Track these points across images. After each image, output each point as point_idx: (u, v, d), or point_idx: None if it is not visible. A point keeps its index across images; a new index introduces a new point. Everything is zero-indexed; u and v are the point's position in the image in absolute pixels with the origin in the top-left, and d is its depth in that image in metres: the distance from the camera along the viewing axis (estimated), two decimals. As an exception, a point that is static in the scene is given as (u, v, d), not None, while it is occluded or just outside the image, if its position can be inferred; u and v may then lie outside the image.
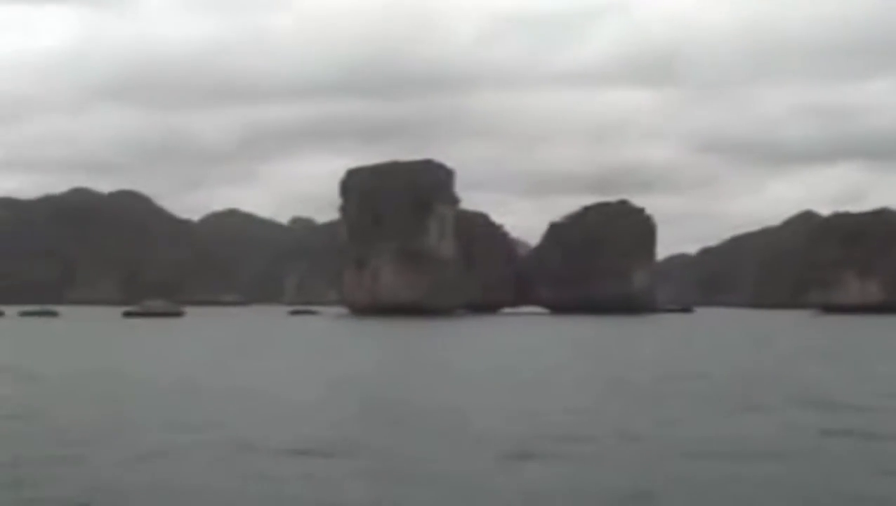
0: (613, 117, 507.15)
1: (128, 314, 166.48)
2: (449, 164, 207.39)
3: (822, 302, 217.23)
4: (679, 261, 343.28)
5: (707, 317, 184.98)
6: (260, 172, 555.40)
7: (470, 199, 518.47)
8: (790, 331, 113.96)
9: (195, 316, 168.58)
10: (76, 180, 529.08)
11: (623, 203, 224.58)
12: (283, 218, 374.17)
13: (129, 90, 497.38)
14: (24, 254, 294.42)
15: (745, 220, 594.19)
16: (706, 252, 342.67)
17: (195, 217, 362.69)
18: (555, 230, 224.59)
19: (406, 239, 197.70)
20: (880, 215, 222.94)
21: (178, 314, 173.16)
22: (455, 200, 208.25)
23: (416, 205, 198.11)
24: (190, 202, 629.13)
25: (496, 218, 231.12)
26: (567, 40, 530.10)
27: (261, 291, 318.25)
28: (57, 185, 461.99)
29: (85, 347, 74.83)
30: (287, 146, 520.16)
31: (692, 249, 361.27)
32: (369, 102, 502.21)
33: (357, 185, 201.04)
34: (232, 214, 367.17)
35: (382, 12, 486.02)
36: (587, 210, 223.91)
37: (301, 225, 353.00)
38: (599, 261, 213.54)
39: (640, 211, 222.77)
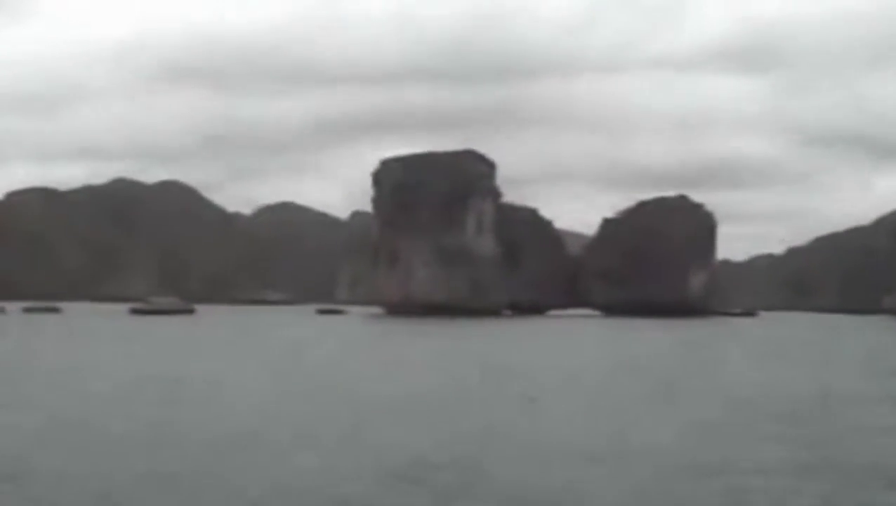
0: (705, 106, 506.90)
1: (135, 312, 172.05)
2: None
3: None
4: (763, 262, 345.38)
5: (770, 323, 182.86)
6: (323, 164, 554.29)
7: (542, 193, 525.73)
8: (845, 338, 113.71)
9: (206, 315, 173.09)
10: (123, 170, 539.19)
11: (682, 197, 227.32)
12: (345, 212, 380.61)
13: (192, 74, 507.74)
14: (60, 247, 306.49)
15: (844, 219, 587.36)
16: (792, 252, 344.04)
17: (247, 210, 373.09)
18: (608, 226, 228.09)
19: (441, 234, 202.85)
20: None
21: (187, 312, 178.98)
22: (496, 194, 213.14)
23: (453, 198, 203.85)
24: (245, 194, 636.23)
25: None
26: (664, 23, 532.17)
27: (312, 290, 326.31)
28: (103, 174, 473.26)
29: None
30: (354, 135, 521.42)
31: (781, 249, 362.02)
32: (444, 90, 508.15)
33: (390, 176, 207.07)
34: (285, 207, 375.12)
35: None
36: (643, 205, 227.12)
37: (360, 220, 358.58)
38: (655, 260, 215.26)
39: (700, 206, 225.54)
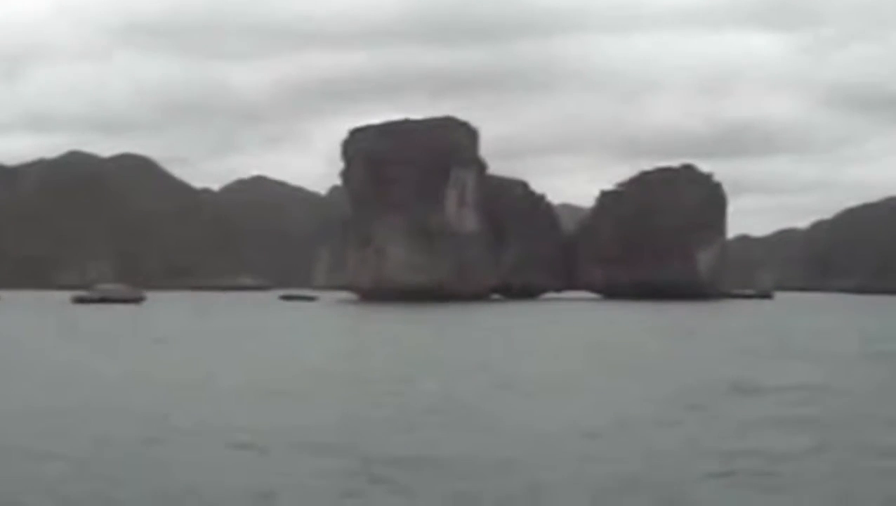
0: (730, 66, 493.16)
1: (78, 300, 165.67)
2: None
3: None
4: (788, 236, 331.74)
5: (782, 305, 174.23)
6: (300, 133, 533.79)
7: (552, 162, 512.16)
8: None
9: (157, 302, 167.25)
10: (80, 142, 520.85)
11: (688, 167, 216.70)
12: (325, 188, 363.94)
13: (153, 35, 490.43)
14: (7, 229, 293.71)
15: (878, 189, 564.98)
16: (817, 227, 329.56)
17: (216, 186, 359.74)
18: (606, 200, 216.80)
19: (418, 210, 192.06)
20: None
21: (137, 300, 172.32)
22: (480, 165, 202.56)
23: (431, 170, 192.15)
24: (213, 168, 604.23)
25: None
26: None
27: (288, 274, 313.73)
28: (57, 147, 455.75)
29: None
30: (334, 102, 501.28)
31: (806, 222, 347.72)
32: (438, 50, 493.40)
33: (361, 147, 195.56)
34: (258, 182, 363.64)
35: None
36: (644, 175, 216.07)
37: (341, 196, 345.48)
38: (657, 237, 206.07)
39: (708, 177, 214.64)
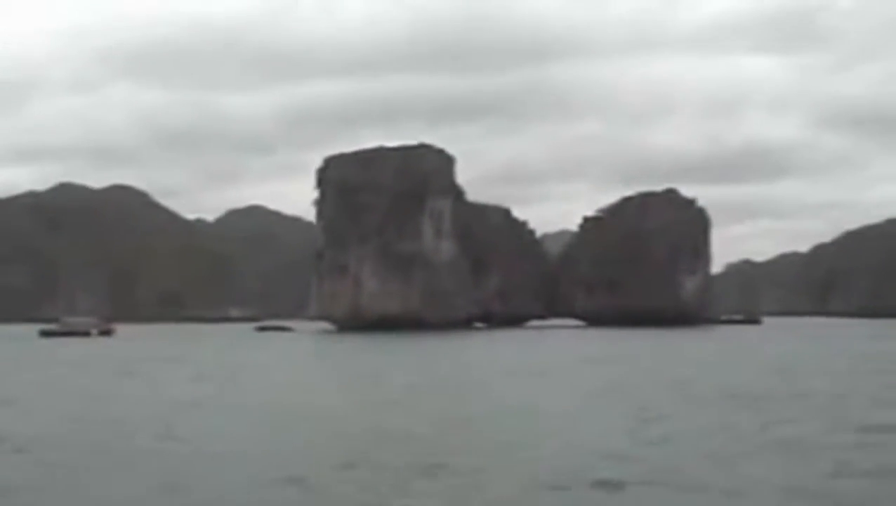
0: (733, 90, 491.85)
1: (45, 334, 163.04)
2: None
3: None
4: (790, 260, 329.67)
5: (766, 332, 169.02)
6: (296, 163, 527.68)
7: (556, 188, 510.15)
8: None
9: (127, 335, 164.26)
10: (68, 173, 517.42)
11: (671, 191, 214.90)
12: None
13: (146, 66, 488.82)
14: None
15: (883, 210, 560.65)
16: (818, 250, 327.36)
17: (210, 217, 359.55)
18: (588, 226, 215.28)
19: (392, 239, 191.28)
20: None
21: (105, 333, 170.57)
22: (457, 192, 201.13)
23: (404, 198, 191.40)
24: (207, 199, 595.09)
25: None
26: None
27: (282, 305, 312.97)
28: (47, 178, 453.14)
29: None
30: (331, 131, 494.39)
31: (806, 246, 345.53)
32: (438, 78, 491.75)
33: (334, 175, 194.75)
34: (253, 211, 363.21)
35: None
36: (627, 201, 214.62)
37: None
38: (641, 263, 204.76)
39: (692, 202, 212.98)
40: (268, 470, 25.33)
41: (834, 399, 42.94)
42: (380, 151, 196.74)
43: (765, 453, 27.10)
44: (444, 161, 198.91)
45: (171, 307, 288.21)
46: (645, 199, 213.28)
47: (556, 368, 69.25)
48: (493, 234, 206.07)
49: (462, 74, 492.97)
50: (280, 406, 42.59)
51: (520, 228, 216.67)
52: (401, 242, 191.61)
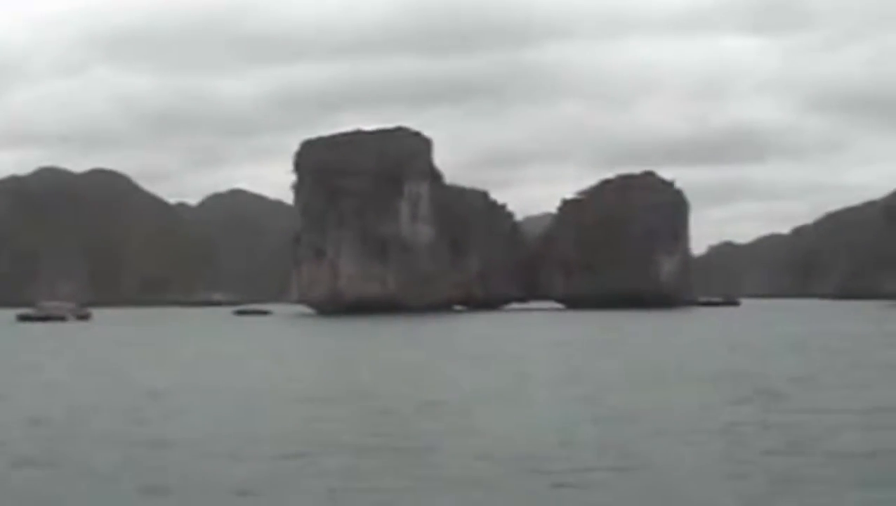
0: (717, 71, 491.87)
1: (22, 318, 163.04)
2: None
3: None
4: (770, 242, 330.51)
5: (743, 313, 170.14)
6: (279, 146, 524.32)
7: (537, 173, 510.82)
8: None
9: (104, 320, 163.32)
10: (54, 158, 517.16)
11: (649, 174, 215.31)
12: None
13: (129, 48, 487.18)
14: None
15: (865, 192, 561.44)
16: (799, 232, 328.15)
17: (193, 201, 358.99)
18: (567, 209, 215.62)
19: (370, 222, 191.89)
20: None
21: (82, 317, 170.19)
22: (435, 175, 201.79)
23: (382, 181, 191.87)
24: (189, 183, 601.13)
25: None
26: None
27: (266, 289, 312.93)
28: (30, 162, 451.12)
29: None
30: (314, 114, 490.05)
31: (787, 228, 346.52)
32: (423, 60, 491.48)
33: (311, 159, 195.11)
34: (236, 195, 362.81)
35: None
36: (605, 184, 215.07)
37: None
38: (619, 245, 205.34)
39: (669, 184, 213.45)
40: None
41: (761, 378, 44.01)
42: (357, 135, 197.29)
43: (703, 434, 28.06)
44: (421, 144, 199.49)
45: (154, 292, 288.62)
46: (624, 181, 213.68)
47: (520, 353, 69.88)
48: (472, 217, 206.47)
49: (443, 57, 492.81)
50: (233, 390, 43.02)
51: (498, 211, 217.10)
52: (378, 225, 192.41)
